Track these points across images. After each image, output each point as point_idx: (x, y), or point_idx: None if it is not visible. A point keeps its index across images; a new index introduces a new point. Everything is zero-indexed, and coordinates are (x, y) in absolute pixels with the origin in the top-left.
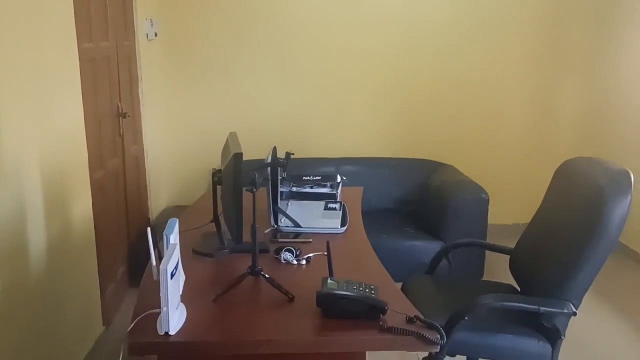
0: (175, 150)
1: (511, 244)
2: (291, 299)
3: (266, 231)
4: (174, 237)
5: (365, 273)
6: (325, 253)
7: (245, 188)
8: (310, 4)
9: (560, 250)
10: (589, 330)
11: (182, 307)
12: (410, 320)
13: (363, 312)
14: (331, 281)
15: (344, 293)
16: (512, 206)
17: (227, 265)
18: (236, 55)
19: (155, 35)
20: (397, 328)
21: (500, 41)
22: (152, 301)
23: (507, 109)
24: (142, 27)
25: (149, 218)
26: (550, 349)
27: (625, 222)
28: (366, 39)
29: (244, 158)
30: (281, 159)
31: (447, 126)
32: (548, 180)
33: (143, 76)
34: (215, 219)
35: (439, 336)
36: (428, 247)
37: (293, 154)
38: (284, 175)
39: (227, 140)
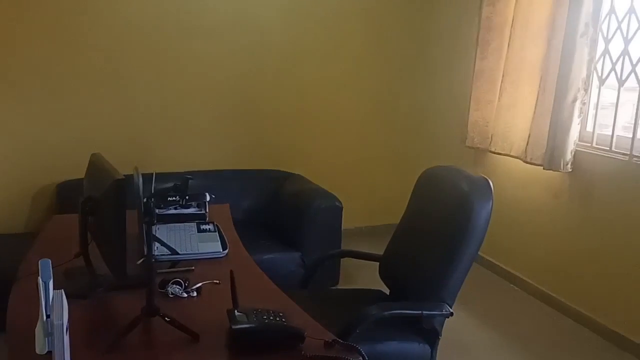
0: None
1: (361, 247)
2: (195, 338)
3: (138, 262)
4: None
5: (264, 298)
6: (216, 281)
7: (145, 220)
8: (147, 6)
9: (431, 254)
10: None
11: None
12: (329, 345)
13: (280, 343)
14: (239, 313)
15: (261, 326)
16: (358, 210)
17: (106, 306)
18: (59, 60)
19: None
20: (321, 356)
21: (337, 50)
22: None
23: (348, 116)
24: None
25: None
26: (430, 349)
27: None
28: (208, 46)
29: (72, 177)
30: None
31: (293, 136)
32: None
33: None
34: (85, 254)
35: (361, 358)
36: (286, 259)
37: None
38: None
39: (91, 162)
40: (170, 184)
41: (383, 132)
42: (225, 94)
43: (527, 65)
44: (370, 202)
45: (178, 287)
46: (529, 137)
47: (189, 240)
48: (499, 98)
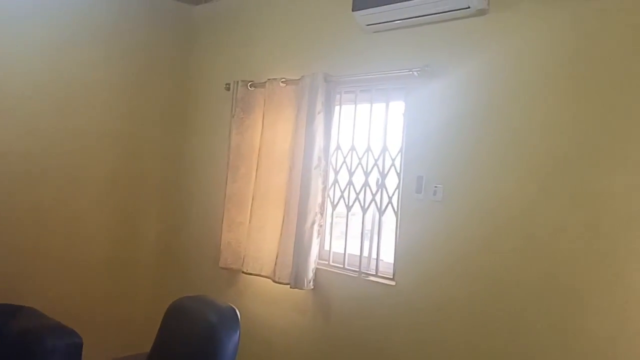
0: None
1: None
2: None
3: None
4: None
5: None
6: None
7: None
8: None
9: None
10: None
11: None
12: None
13: None
14: None
15: None
16: (104, 343)
17: None
18: None
19: None
20: None
21: (80, 173)
22: None
23: (93, 242)
24: None
25: None
26: None
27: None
28: None
29: None
30: None
31: (25, 263)
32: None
33: None
34: None
35: None
36: None
37: None
38: None
39: None
40: None
41: (133, 257)
42: None
43: (273, 190)
44: (118, 333)
45: None
46: (277, 257)
47: None
48: (249, 220)
